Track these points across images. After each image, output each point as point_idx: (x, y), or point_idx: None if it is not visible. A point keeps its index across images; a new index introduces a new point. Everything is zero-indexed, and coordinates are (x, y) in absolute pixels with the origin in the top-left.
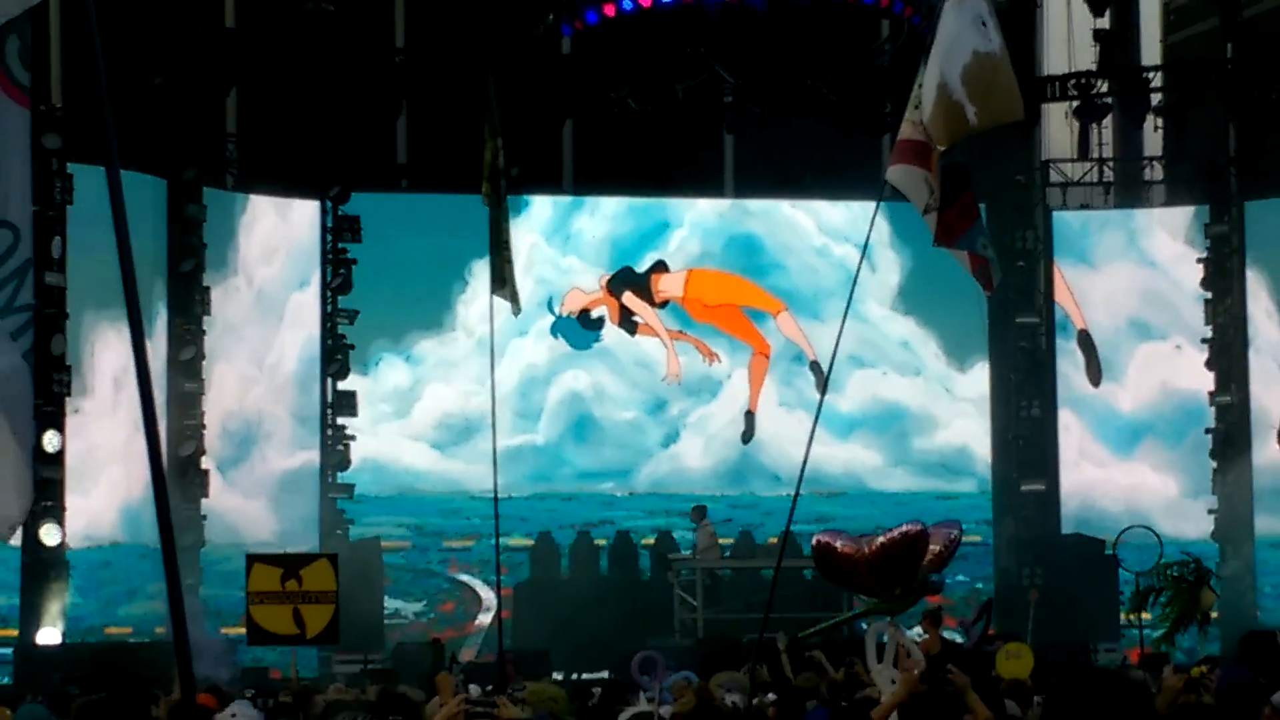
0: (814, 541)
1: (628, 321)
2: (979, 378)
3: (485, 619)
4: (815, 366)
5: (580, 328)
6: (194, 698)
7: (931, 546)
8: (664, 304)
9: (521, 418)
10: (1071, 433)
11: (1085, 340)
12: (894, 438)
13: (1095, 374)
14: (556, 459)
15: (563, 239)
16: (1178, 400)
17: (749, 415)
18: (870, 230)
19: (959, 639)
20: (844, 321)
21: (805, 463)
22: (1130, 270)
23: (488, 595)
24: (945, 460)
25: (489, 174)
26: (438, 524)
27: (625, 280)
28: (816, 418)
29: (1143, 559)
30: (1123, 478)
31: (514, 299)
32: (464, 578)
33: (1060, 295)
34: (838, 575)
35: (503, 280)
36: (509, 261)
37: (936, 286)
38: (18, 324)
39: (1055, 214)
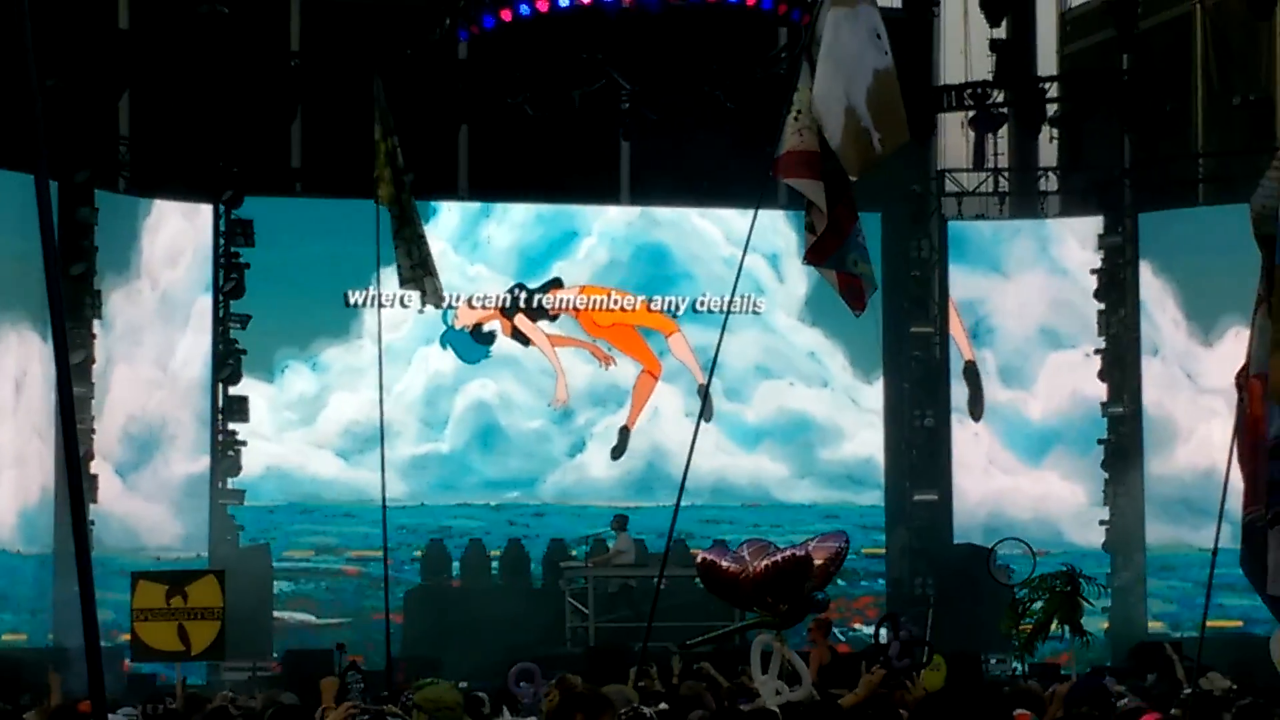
0: (698, 560)
1: (520, 334)
2: (884, 389)
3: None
4: (702, 390)
5: (471, 341)
6: (104, 707)
7: (815, 562)
8: (556, 317)
9: (427, 426)
10: (981, 440)
11: (971, 373)
12: (800, 449)
13: (978, 409)
14: (462, 467)
15: (470, 247)
16: (1086, 409)
17: (624, 431)
18: (748, 240)
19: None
20: (722, 332)
21: (685, 478)
22: (1040, 279)
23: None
24: (851, 471)
25: (392, 172)
26: (340, 531)
27: (519, 301)
28: (694, 439)
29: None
30: (1030, 487)
31: (435, 292)
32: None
33: (952, 327)
34: (723, 592)
35: (417, 274)
36: (429, 256)
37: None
38: None
39: (963, 223)
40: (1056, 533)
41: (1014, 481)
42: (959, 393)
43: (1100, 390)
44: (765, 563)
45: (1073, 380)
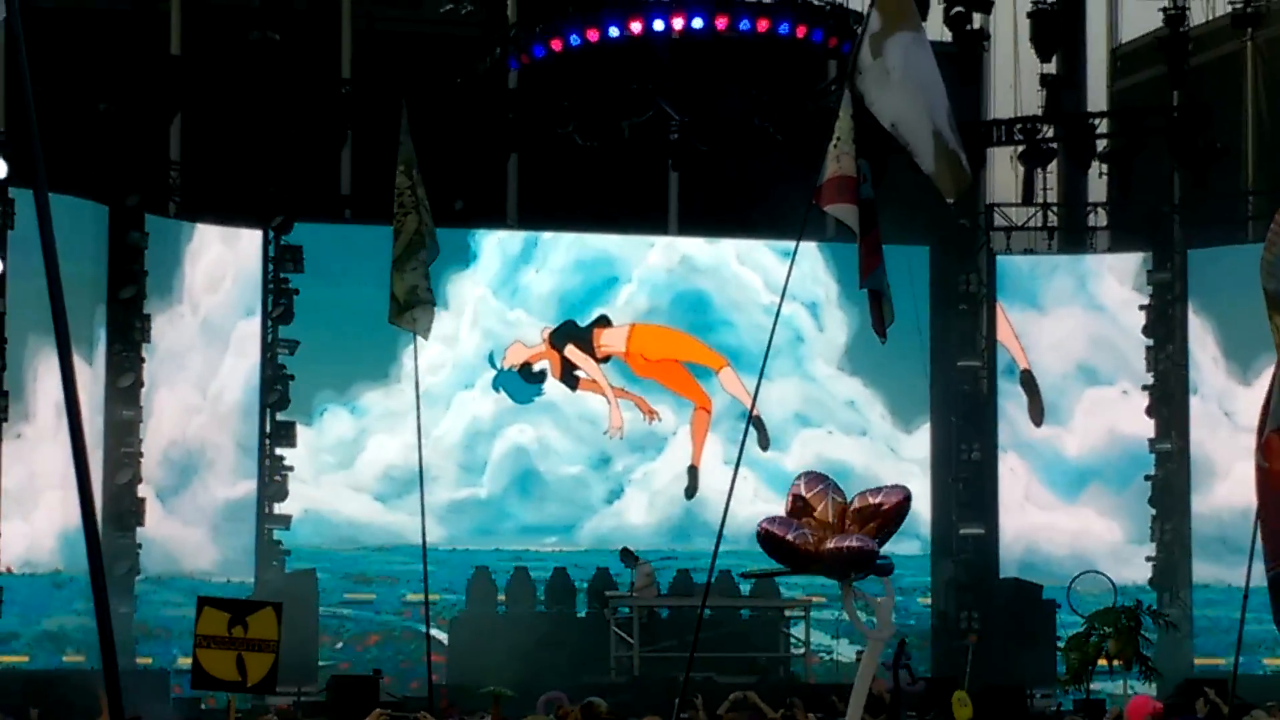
0: (759, 529)
1: (569, 376)
2: (924, 439)
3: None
4: (757, 421)
5: (522, 381)
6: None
7: (875, 501)
8: (606, 359)
9: (466, 471)
10: (1017, 476)
11: (1028, 380)
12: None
13: (1038, 414)
14: (500, 513)
15: (510, 292)
16: (1123, 446)
17: (692, 470)
18: (790, 269)
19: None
20: (761, 372)
21: (726, 511)
22: (1079, 315)
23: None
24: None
25: (413, 201)
26: (379, 574)
27: (567, 334)
28: (736, 468)
29: (1093, 605)
30: (1067, 522)
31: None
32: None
33: (1003, 334)
34: (785, 558)
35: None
36: (429, 289)
37: (884, 346)
38: None
39: (1002, 258)
40: (1094, 569)
41: (1050, 518)
42: (1009, 428)
43: (1140, 426)
44: (831, 545)
45: (1110, 417)
